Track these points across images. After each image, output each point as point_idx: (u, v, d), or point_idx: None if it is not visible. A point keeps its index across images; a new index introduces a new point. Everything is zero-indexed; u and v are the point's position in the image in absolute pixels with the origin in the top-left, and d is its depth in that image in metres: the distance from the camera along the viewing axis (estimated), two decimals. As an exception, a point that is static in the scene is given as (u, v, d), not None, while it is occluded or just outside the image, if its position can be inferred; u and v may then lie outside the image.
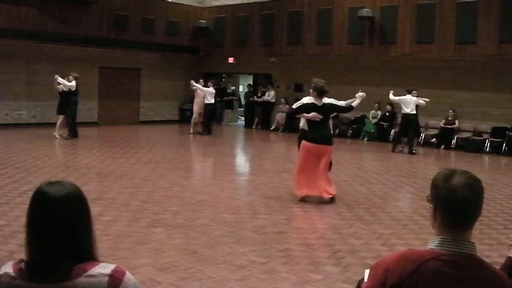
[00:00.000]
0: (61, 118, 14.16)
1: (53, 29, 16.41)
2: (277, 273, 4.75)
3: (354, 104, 7.87)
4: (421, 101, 13.64)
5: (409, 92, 13.69)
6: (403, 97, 13.72)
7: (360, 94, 7.89)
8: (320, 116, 7.35)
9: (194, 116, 17.06)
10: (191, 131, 16.91)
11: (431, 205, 1.71)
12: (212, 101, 16.73)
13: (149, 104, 20.21)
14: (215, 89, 21.40)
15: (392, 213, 7.23)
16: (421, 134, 15.31)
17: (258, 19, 18.79)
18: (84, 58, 18.09)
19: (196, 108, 16.90)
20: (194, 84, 16.42)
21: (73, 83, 13.90)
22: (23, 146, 12.63)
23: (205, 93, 16.56)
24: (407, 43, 15.32)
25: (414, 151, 13.74)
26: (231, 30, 19.58)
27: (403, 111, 13.83)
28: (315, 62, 18.27)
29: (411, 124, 13.72)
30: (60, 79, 13.75)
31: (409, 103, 13.60)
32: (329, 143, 7.62)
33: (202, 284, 4.44)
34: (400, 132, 14.25)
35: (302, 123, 7.94)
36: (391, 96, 13.93)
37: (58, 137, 14.06)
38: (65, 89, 13.92)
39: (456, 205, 1.64)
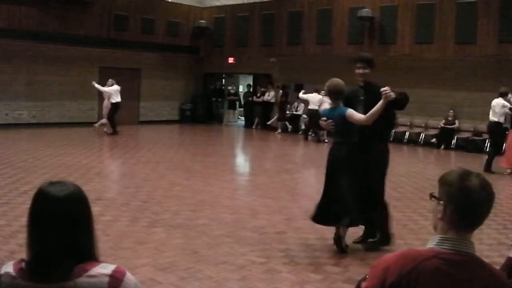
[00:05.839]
0: None
1: (53, 29, 16.41)
2: (277, 273, 4.75)
3: None
4: (326, 99, 15.79)
5: (317, 92, 15.66)
6: (310, 95, 15.97)
7: None
8: None
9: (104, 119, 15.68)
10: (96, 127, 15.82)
11: (441, 202, 1.70)
12: (118, 99, 15.27)
13: (149, 104, 20.20)
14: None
15: (392, 213, 7.22)
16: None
17: (258, 19, 18.79)
18: (84, 58, 18.09)
19: (105, 110, 15.48)
20: (96, 85, 15.35)
21: None
22: (23, 146, 12.64)
23: (110, 93, 15.22)
24: (407, 43, 15.31)
25: (322, 140, 15.86)
26: (231, 30, 19.58)
27: (309, 107, 16.10)
28: (315, 62, 18.27)
29: (314, 118, 15.77)
30: None
31: (313, 100, 15.85)
32: None
33: (202, 284, 4.44)
34: (308, 126, 16.62)
35: None
36: (300, 94, 16.26)
37: None
38: None
39: (470, 207, 1.65)
